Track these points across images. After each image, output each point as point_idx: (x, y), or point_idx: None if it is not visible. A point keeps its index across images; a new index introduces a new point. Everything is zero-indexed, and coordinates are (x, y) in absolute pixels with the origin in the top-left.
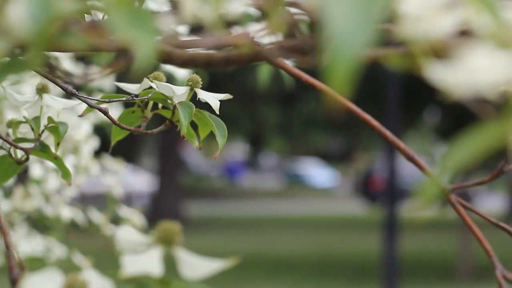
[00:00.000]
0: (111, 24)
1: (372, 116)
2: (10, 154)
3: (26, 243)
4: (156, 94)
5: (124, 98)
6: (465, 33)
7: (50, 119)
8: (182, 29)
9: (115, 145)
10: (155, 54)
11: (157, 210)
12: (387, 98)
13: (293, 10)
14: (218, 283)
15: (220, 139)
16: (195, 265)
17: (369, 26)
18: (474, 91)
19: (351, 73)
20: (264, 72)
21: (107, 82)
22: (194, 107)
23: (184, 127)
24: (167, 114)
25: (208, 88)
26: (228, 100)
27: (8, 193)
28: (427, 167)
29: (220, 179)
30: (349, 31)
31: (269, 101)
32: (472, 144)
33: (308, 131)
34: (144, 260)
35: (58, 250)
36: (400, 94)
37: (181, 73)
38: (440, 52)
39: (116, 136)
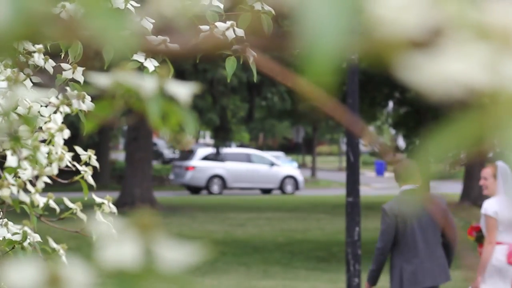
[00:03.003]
0: (82, 15)
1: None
2: None
3: (2, 229)
4: (125, 85)
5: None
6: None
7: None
8: (150, 24)
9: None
10: (124, 43)
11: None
12: (347, 91)
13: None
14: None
15: (190, 129)
16: (174, 253)
17: (347, 17)
18: (446, 89)
19: (332, 63)
20: (230, 64)
21: (80, 74)
22: (162, 98)
23: (153, 118)
24: (136, 105)
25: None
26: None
27: None
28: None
29: None
30: (327, 22)
31: (235, 93)
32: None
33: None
34: (121, 248)
35: (33, 235)
36: (360, 86)
37: (150, 65)
38: (414, 48)
39: (88, 127)
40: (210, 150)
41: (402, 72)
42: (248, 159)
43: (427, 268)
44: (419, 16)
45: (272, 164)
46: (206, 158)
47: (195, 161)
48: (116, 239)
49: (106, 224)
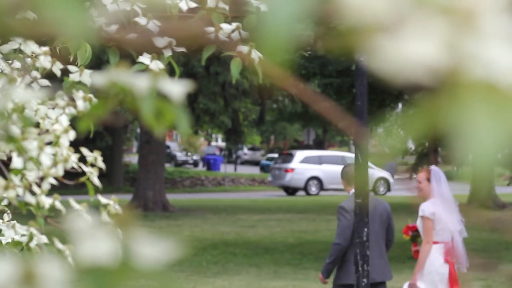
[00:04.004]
0: (43, 6)
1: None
2: None
3: (9, 231)
4: (119, 84)
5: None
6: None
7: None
8: (156, 26)
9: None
10: (84, 33)
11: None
12: (355, 93)
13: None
14: (199, 264)
15: (182, 128)
16: (152, 251)
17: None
18: (409, 72)
19: (283, 40)
20: (235, 66)
21: (87, 75)
22: (155, 97)
23: (146, 117)
24: (130, 104)
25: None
26: (205, 94)
27: None
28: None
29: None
30: (279, 5)
31: (246, 96)
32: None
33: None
34: (98, 246)
35: (39, 237)
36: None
37: (153, 65)
38: (378, 32)
39: (83, 127)
40: (308, 153)
41: (366, 57)
42: (343, 161)
43: (376, 264)
44: (386, 1)
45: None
46: (304, 160)
47: (294, 164)
48: (93, 236)
49: (84, 221)
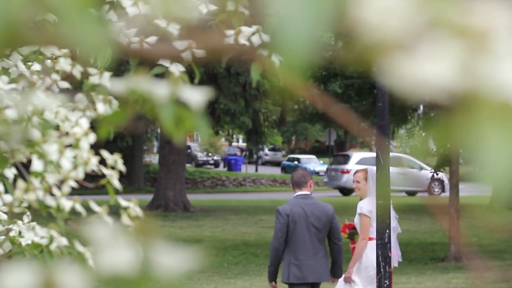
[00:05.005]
0: (61, 19)
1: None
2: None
3: (29, 233)
4: (139, 91)
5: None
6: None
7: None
8: (175, 30)
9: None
10: (102, 45)
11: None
12: (377, 95)
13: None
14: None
15: (202, 134)
16: (172, 260)
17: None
18: (424, 90)
19: (302, 47)
20: (255, 70)
21: (107, 78)
22: (175, 104)
23: (166, 123)
24: (150, 111)
25: (207, 84)
26: (226, 95)
27: (10, 187)
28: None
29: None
30: (299, 16)
31: (267, 96)
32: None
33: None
34: (118, 255)
35: (59, 239)
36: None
37: (175, 70)
38: (395, 50)
39: (103, 132)
40: (364, 155)
41: (383, 74)
42: (399, 162)
43: (311, 265)
44: (402, 19)
45: (421, 168)
46: (360, 162)
47: (351, 165)
48: (113, 244)
49: (104, 228)
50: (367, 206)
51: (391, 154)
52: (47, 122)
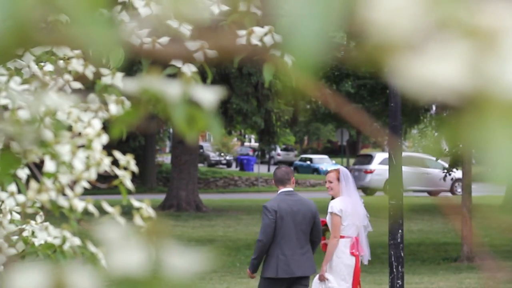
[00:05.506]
0: (72, 20)
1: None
2: (12, 148)
3: (42, 233)
4: (151, 91)
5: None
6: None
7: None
8: (187, 30)
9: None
10: (111, 46)
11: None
12: (389, 95)
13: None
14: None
15: (214, 134)
16: (184, 261)
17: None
18: (434, 93)
19: (313, 46)
20: (268, 70)
21: (119, 79)
22: (187, 103)
23: (178, 123)
24: (162, 111)
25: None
26: (238, 95)
27: (23, 187)
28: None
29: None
30: (310, 15)
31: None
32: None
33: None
34: (130, 256)
35: (72, 240)
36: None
37: (188, 70)
38: (405, 50)
39: (115, 132)
40: (388, 155)
41: (393, 75)
42: (423, 163)
43: (297, 260)
44: (411, 20)
45: (444, 168)
46: (383, 162)
47: (374, 165)
48: (125, 246)
49: (116, 230)
50: (338, 205)
51: (414, 154)
52: (60, 122)
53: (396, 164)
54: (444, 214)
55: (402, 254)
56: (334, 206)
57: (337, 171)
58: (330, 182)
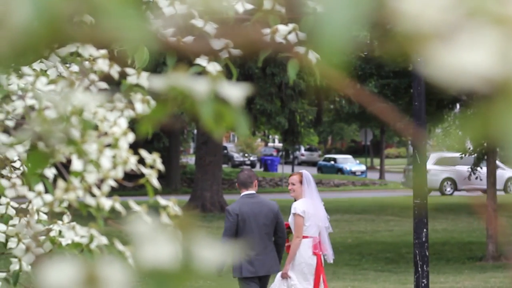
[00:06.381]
0: (105, 15)
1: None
2: (40, 147)
3: (69, 232)
4: (179, 88)
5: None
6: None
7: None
8: (212, 29)
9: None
10: (144, 40)
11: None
12: (413, 94)
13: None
14: None
15: (242, 131)
16: (211, 255)
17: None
18: (464, 80)
19: (340, 42)
20: (292, 67)
21: (144, 78)
22: (215, 100)
23: (205, 120)
24: (190, 108)
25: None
26: (262, 95)
27: (50, 187)
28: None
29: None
30: (336, 8)
31: (303, 96)
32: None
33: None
34: (160, 249)
35: (100, 238)
36: (427, 89)
37: (213, 68)
38: (434, 40)
39: (143, 129)
40: (442, 155)
41: (422, 65)
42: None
43: (261, 259)
44: (440, 10)
45: (497, 167)
46: (438, 162)
47: (429, 165)
48: (155, 238)
49: (146, 223)
50: (301, 206)
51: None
52: (88, 122)
53: (420, 164)
54: (477, 213)
55: (427, 253)
56: (297, 207)
57: (300, 174)
58: (293, 184)
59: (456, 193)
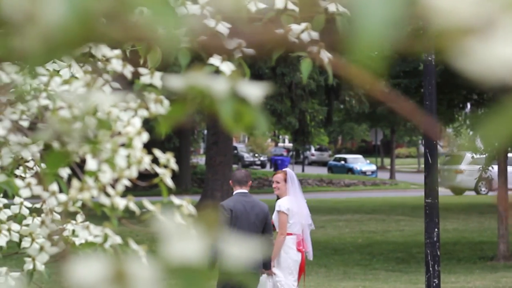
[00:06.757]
0: (140, 12)
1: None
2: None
3: (83, 232)
4: (198, 87)
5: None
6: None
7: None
8: (225, 28)
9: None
10: (180, 39)
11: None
12: (424, 93)
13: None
14: None
15: (262, 130)
16: (236, 253)
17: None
18: (499, 76)
19: (377, 45)
20: (305, 66)
21: (157, 78)
22: (235, 99)
23: (225, 119)
24: (209, 107)
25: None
26: (272, 95)
27: (64, 186)
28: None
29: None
30: (374, 8)
31: (313, 96)
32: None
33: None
34: (188, 248)
35: (114, 238)
36: (438, 88)
37: (226, 68)
38: (469, 35)
39: (162, 129)
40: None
41: (458, 60)
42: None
43: None
44: (474, 4)
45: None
46: (472, 162)
47: (464, 165)
48: (182, 237)
49: (171, 222)
50: (285, 204)
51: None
52: (104, 121)
53: (432, 163)
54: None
55: (438, 253)
56: (282, 205)
57: (284, 172)
58: (278, 182)
59: (491, 193)
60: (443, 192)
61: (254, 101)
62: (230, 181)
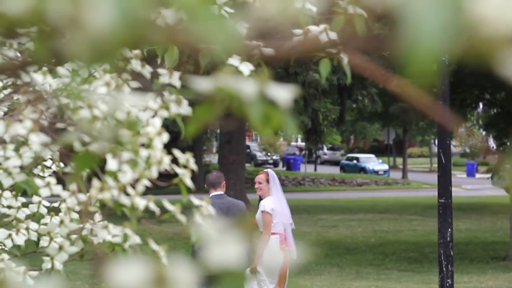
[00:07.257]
0: (190, 20)
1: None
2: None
3: (102, 231)
4: (226, 90)
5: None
6: None
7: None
8: (244, 29)
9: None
10: (229, 45)
11: None
12: (437, 93)
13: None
14: None
15: (291, 131)
16: (270, 258)
17: (448, 16)
18: None
19: (432, 59)
20: (324, 67)
21: (177, 79)
22: (263, 101)
23: (254, 121)
24: (237, 109)
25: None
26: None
27: (84, 186)
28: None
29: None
30: (429, 21)
31: (326, 96)
32: None
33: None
34: (226, 252)
35: (134, 237)
36: (451, 88)
37: (246, 69)
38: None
39: (189, 131)
40: None
41: (503, 69)
42: None
43: None
44: None
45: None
46: None
47: None
48: (219, 241)
49: (205, 226)
50: (269, 204)
51: None
52: (131, 123)
53: (445, 163)
54: None
55: (452, 253)
56: (266, 205)
57: (266, 173)
58: (260, 183)
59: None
60: (456, 192)
61: (283, 103)
62: (205, 185)
